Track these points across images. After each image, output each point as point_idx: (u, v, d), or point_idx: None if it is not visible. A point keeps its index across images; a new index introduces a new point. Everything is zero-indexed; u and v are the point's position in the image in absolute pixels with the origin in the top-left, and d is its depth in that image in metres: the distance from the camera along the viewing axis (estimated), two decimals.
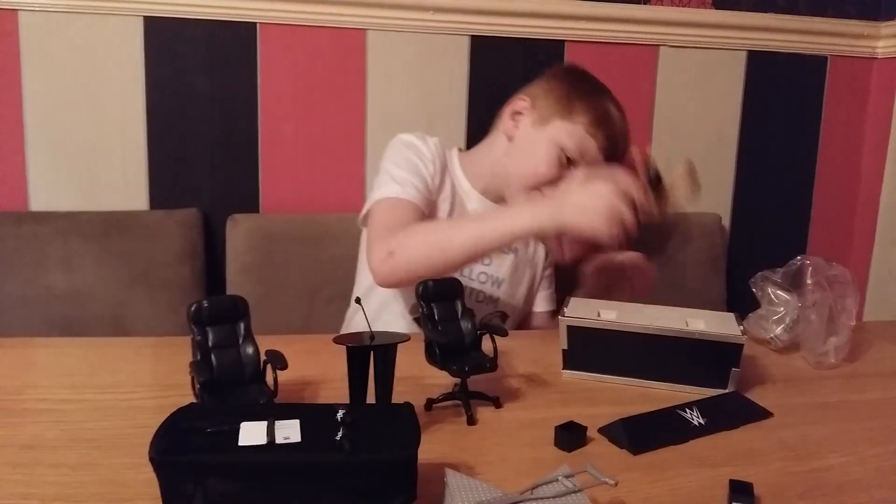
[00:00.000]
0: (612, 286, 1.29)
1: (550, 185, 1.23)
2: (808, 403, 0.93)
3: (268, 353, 0.79)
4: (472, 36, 1.56)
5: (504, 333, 0.92)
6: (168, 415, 0.64)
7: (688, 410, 0.85)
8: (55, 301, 1.40)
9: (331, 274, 1.46)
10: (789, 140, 1.74)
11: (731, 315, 0.99)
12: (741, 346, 0.91)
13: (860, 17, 1.70)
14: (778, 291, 1.12)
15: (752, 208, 1.75)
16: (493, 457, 0.76)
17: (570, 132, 1.23)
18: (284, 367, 0.77)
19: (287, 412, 0.65)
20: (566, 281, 1.40)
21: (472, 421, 0.84)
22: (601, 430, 0.80)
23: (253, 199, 1.46)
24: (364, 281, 1.27)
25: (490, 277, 1.31)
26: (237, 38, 1.49)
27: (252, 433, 0.61)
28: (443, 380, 0.86)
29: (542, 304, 1.42)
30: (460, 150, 1.36)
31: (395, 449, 0.60)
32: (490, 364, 0.86)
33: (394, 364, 0.77)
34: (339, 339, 0.76)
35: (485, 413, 0.86)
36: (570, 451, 0.76)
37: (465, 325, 0.87)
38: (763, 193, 1.75)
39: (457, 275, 1.18)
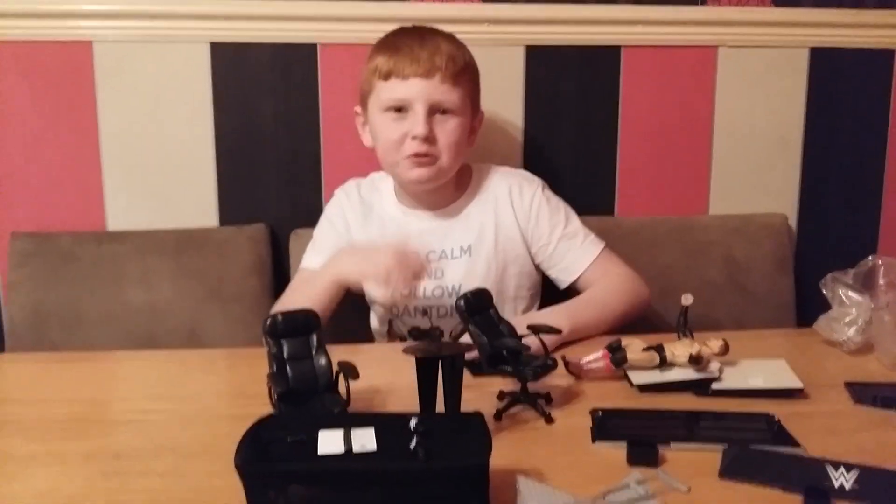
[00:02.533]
0: None
1: (421, 144, 1.23)
2: None
3: (340, 364, 0.81)
4: (528, 46, 1.57)
5: (557, 332, 0.95)
6: (247, 424, 0.67)
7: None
8: (134, 316, 1.46)
9: None
10: (856, 137, 1.69)
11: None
12: None
13: None
14: (849, 293, 1.10)
15: (820, 208, 1.71)
16: (563, 463, 0.76)
17: (375, 91, 1.27)
18: (356, 377, 0.80)
19: (362, 421, 0.67)
20: None
21: (549, 420, 0.85)
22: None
23: (316, 214, 1.49)
24: None
25: (445, 289, 1.31)
26: (298, 59, 1.54)
27: (330, 442, 0.63)
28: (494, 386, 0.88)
29: (572, 271, 1.33)
30: None
31: (469, 457, 0.62)
32: (553, 362, 0.88)
33: (461, 372, 0.78)
34: (408, 350, 0.78)
35: (555, 418, 0.86)
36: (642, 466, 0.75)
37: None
38: (830, 193, 1.71)
39: (414, 295, 1.27)
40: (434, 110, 1.25)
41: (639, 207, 1.65)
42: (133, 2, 1.48)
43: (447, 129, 1.26)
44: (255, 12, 1.50)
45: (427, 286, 1.30)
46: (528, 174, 1.40)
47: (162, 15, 1.49)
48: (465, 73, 1.28)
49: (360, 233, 1.35)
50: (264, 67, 1.54)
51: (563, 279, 1.34)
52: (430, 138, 1.24)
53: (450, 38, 1.30)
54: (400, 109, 1.25)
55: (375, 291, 1.14)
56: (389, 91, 1.25)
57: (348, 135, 1.54)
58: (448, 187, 1.34)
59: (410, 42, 1.26)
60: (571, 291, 1.33)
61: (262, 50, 1.53)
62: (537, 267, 1.37)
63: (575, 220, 1.37)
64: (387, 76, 1.25)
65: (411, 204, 1.36)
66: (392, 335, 1.34)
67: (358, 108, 1.35)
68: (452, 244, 1.32)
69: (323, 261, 1.29)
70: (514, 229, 1.34)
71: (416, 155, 1.25)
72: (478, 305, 0.92)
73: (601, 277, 1.31)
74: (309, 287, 1.25)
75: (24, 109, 1.51)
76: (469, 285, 1.26)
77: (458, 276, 1.31)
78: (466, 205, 1.35)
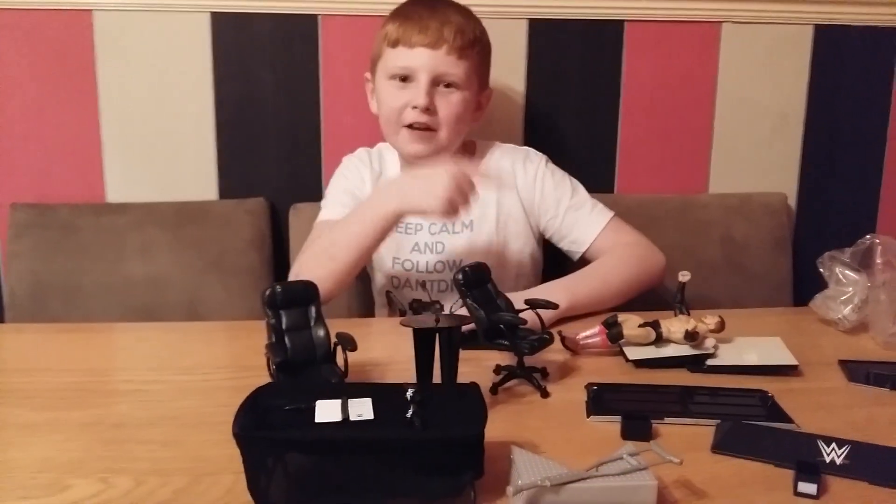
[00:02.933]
0: None
1: (420, 114, 1.23)
2: None
3: (338, 335, 0.82)
4: (531, 19, 1.56)
5: (555, 306, 0.95)
6: (246, 394, 0.68)
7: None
8: (134, 288, 1.46)
9: None
10: (858, 117, 1.69)
11: None
12: None
13: None
14: (846, 271, 1.10)
15: (820, 187, 1.71)
16: (557, 436, 0.77)
17: (383, 58, 1.27)
18: (354, 348, 0.80)
19: (359, 391, 0.68)
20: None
21: (545, 394, 0.86)
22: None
23: (316, 189, 1.50)
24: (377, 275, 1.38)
25: (446, 263, 1.30)
26: (299, 30, 1.52)
27: (327, 411, 0.64)
28: (490, 360, 0.88)
29: (581, 241, 1.32)
30: None
31: (464, 426, 0.63)
32: (549, 336, 0.89)
33: (458, 345, 0.79)
34: (405, 322, 0.78)
35: (551, 392, 0.87)
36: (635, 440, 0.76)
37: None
38: (830, 171, 1.70)
39: (416, 272, 1.29)
40: (438, 82, 1.25)
41: (639, 185, 1.65)
42: None
43: (449, 102, 1.26)
44: None
45: (428, 260, 1.30)
46: (532, 150, 1.40)
47: None
48: (473, 47, 1.27)
49: (363, 192, 1.34)
50: (265, 39, 1.52)
51: (575, 250, 1.34)
52: (430, 109, 1.24)
53: (463, 10, 1.29)
54: (405, 78, 1.25)
55: (438, 217, 1.14)
56: (395, 58, 1.25)
57: (349, 109, 1.54)
58: (451, 161, 1.32)
59: (421, 11, 1.26)
60: (584, 263, 1.31)
61: (263, 21, 1.52)
62: (546, 243, 1.37)
63: (581, 191, 1.36)
64: (395, 43, 1.25)
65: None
66: (392, 307, 1.34)
67: (368, 74, 1.35)
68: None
69: (345, 211, 1.26)
70: (517, 206, 1.34)
71: (415, 125, 1.24)
72: (476, 279, 0.93)
73: (611, 248, 1.30)
74: (353, 225, 1.17)
75: (24, 79, 1.50)
76: (470, 260, 1.26)
77: (459, 250, 1.30)
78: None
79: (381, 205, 1.15)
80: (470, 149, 1.38)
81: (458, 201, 1.08)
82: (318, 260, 1.17)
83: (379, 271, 1.35)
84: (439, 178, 1.08)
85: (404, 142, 1.28)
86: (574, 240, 1.33)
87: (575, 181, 1.38)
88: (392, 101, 1.26)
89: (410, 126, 1.25)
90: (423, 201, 1.10)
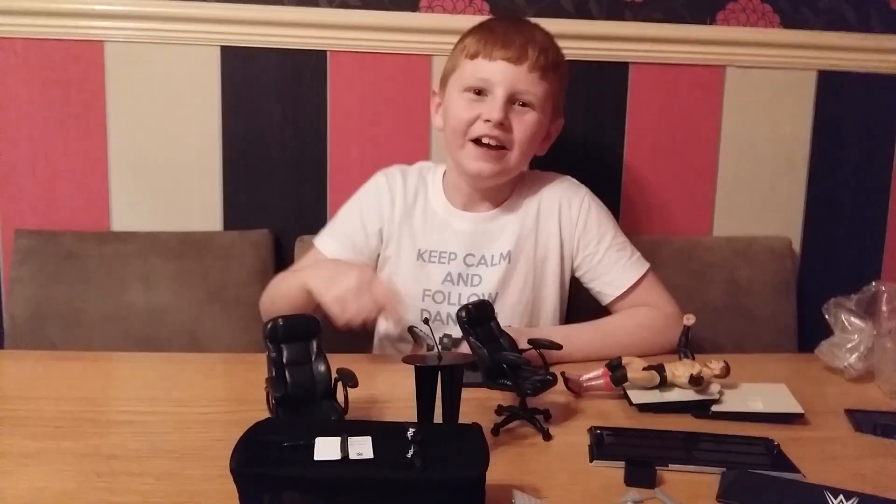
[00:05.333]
0: None
1: (493, 128, 1.17)
2: None
3: (339, 371, 0.81)
4: None
5: (558, 347, 0.93)
6: (244, 429, 0.67)
7: None
8: (135, 317, 1.45)
9: None
10: (863, 161, 1.69)
11: None
12: None
13: None
14: (852, 318, 1.09)
15: (824, 232, 1.70)
16: (559, 481, 0.76)
17: (459, 69, 1.22)
18: (355, 384, 0.79)
19: (359, 429, 0.67)
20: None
21: (548, 436, 0.85)
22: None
23: (321, 221, 1.49)
24: None
25: (480, 297, 1.22)
26: (308, 65, 1.54)
27: (326, 448, 0.63)
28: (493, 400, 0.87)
29: (617, 285, 1.26)
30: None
31: (465, 468, 0.62)
32: (553, 378, 0.88)
33: (461, 384, 0.78)
34: (408, 359, 0.78)
35: (554, 435, 0.86)
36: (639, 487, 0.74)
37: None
38: (835, 216, 1.71)
39: (448, 305, 1.24)
40: (514, 99, 1.19)
41: (643, 226, 1.65)
42: (145, 3, 1.49)
43: (523, 122, 1.20)
44: (266, 18, 1.50)
45: (461, 292, 1.25)
46: (573, 181, 1.34)
47: (174, 17, 1.50)
48: (554, 71, 1.22)
49: (400, 223, 1.29)
50: (274, 73, 1.54)
51: (608, 293, 1.26)
52: (504, 125, 1.18)
53: (548, 34, 1.25)
54: (480, 92, 1.20)
55: (331, 314, 1.08)
56: (473, 69, 1.20)
57: (356, 143, 1.55)
58: (502, 189, 1.28)
59: (506, 26, 1.22)
60: (608, 311, 1.27)
61: (272, 56, 1.53)
62: (574, 281, 1.32)
63: (621, 233, 1.31)
64: (474, 55, 1.20)
65: (458, 203, 1.29)
66: (418, 342, 1.24)
67: (435, 88, 1.30)
68: (493, 250, 1.26)
69: (336, 247, 1.27)
70: (555, 241, 1.28)
71: (485, 140, 1.19)
72: (478, 317, 0.92)
73: (637, 303, 1.25)
74: (285, 286, 1.22)
75: (34, 107, 1.52)
76: (505, 294, 1.24)
77: (494, 283, 1.25)
78: (512, 211, 1.29)
79: (305, 276, 1.15)
80: (517, 177, 1.30)
81: (350, 304, 1.06)
82: (267, 298, 1.27)
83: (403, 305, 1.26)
84: (345, 276, 1.09)
85: (469, 157, 1.21)
86: (610, 282, 1.26)
87: (614, 220, 1.33)
88: (462, 112, 1.20)
89: (478, 141, 1.19)
90: (323, 289, 1.09)
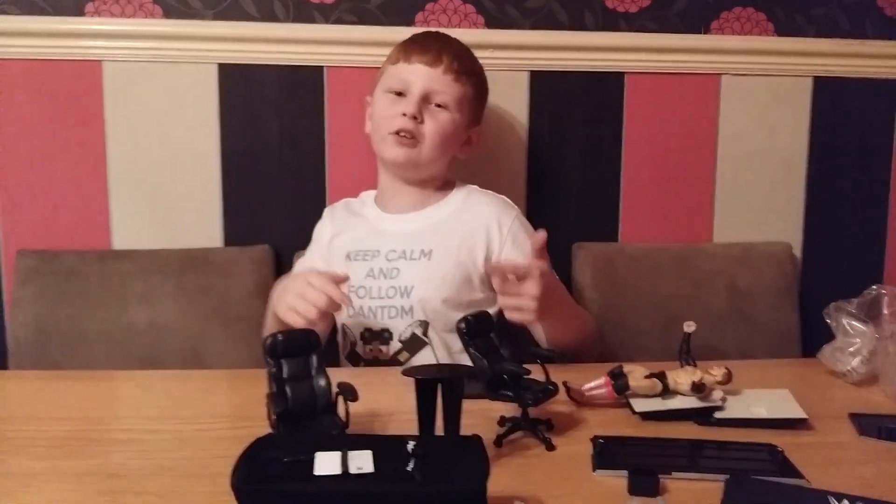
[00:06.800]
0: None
1: (408, 120, 1.28)
2: None
3: (339, 385, 0.81)
4: (532, 71, 1.59)
5: (558, 357, 0.94)
6: (245, 445, 0.67)
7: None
8: (136, 335, 1.46)
9: None
10: (861, 166, 1.70)
11: None
12: None
13: None
14: (853, 322, 1.09)
15: (824, 237, 1.71)
16: (562, 491, 0.75)
17: (384, 76, 1.35)
18: (355, 398, 0.79)
19: (359, 443, 0.67)
20: None
21: (550, 447, 0.84)
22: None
23: None
24: None
25: (398, 289, 1.29)
26: (305, 81, 1.55)
27: (327, 463, 0.63)
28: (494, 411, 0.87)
29: None
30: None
31: (466, 480, 0.62)
32: (554, 388, 0.88)
33: (461, 396, 0.78)
34: (407, 372, 0.77)
35: (556, 445, 0.86)
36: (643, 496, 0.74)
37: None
38: (835, 221, 1.71)
39: (370, 299, 1.29)
40: (430, 99, 1.31)
41: (643, 234, 1.65)
42: (143, 23, 1.50)
43: (436, 120, 1.31)
44: (263, 35, 1.51)
45: (381, 285, 1.30)
46: (507, 201, 1.39)
47: (171, 36, 1.51)
48: (468, 76, 1.34)
49: (346, 233, 1.39)
50: (271, 90, 1.55)
51: None
52: (417, 118, 1.29)
53: (465, 47, 1.38)
54: (400, 94, 1.32)
55: (289, 323, 1.14)
56: (395, 73, 1.33)
57: (354, 158, 1.56)
58: (426, 193, 1.37)
59: (426, 37, 1.37)
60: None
61: (270, 72, 1.54)
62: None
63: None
64: (396, 61, 1.34)
65: (387, 208, 1.39)
66: (346, 339, 1.33)
67: (369, 98, 1.40)
68: (413, 245, 1.32)
69: (313, 258, 1.40)
70: (481, 245, 1.32)
71: (401, 132, 1.29)
72: (478, 328, 0.92)
73: None
74: (267, 318, 1.31)
75: (33, 127, 1.53)
76: (424, 289, 1.29)
77: (412, 277, 1.30)
78: (439, 215, 1.36)
79: (272, 305, 1.25)
80: (449, 187, 1.40)
81: (299, 306, 1.13)
82: (266, 319, 1.33)
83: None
84: (291, 285, 1.18)
85: (387, 146, 1.32)
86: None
87: None
88: (385, 110, 1.32)
89: (397, 134, 1.30)
90: (277, 304, 1.19)
